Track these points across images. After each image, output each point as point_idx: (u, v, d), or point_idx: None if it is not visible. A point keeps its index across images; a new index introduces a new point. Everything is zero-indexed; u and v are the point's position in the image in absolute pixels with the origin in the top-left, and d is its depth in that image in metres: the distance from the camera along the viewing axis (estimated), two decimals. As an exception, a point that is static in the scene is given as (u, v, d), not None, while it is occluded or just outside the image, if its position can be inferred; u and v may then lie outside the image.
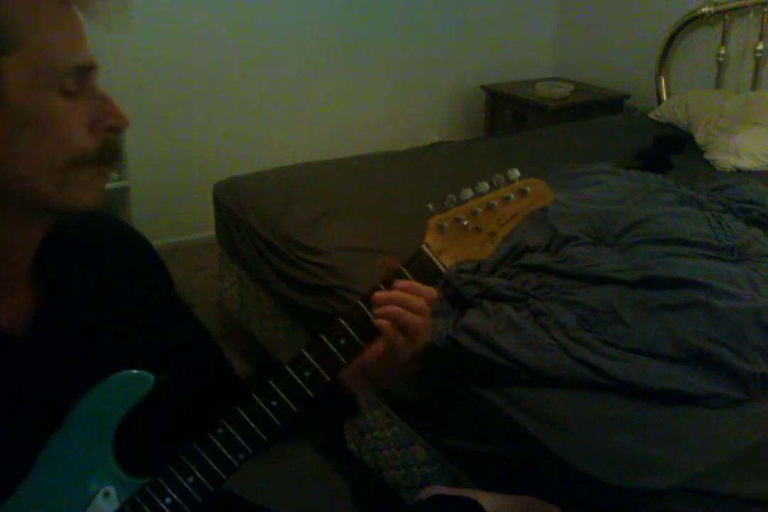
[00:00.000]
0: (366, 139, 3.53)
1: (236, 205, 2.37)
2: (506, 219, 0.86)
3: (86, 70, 0.69)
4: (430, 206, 0.86)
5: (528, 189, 0.86)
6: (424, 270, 0.85)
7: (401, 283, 0.84)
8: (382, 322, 0.82)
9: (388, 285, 0.84)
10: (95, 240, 0.81)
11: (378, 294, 0.83)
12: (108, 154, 0.72)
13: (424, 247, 0.85)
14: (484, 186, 0.85)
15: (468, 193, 0.85)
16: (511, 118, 3.61)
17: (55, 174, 0.68)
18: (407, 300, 0.83)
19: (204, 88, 3.11)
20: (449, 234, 0.86)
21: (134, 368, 0.77)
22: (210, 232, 2.72)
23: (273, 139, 3.34)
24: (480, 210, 0.85)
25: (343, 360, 0.84)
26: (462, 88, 3.79)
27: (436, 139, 3.69)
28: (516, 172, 0.86)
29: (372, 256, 1.97)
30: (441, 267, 0.86)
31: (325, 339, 0.83)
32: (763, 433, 1.35)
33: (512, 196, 0.85)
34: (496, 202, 0.85)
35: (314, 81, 3.37)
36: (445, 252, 0.86)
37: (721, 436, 1.33)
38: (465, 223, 0.85)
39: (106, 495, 0.78)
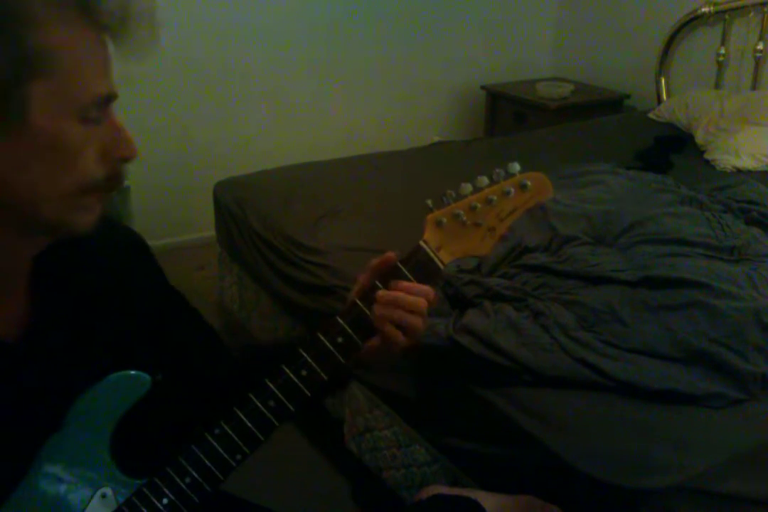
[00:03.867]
0: (366, 139, 3.52)
1: (236, 205, 2.37)
2: (506, 214, 0.85)
3: (109, 100, 0.68)
4: (429, 202, 0.85)
5: (528, 182, 0.84)
6: (422, 267, 0.84)
7: (401, 285, 0.83)
8: (384, 325, 0.82)
9: (385, 283, 0.83)
10: (89, 242, 0.80)
11: (381, 293, 0.83)
12: (113, 182, 0.71)
13: (422, 243, 0.84)
14: (484, 180, 0.84)
15: (467, 187, 0.84)
16: (511, 118, 3.61)
17: (61, 199, 0.67)
18: (408, 303, 0.82)
19: (204, 87, 3.11)
20: (448, 230, 0.84)
21: (132, 369, 0.77)
22: (210, 232, 2.72)
23: (273, 139, 3.34)
24: (479, 205, 0.84)
25: (340, 358, 0.83)
26: (462, 88, 3.79)
27: (436, 138, 3.69)
28: (516, 166, 0.84)
29: (372, 256, 1.97)
30: (439, 263, 0.84)
31: (323, 338, 0.82)
32: (763, 433, 1.35)
33: (512, 189, 0.84)
34: (495, 197, 0.84)
35: (314, 81, 3.37)
36: (443, 248, 0.85)
37: (721, 436, 1.33)
38: (464, 218, 0.84)
39: (104, 496, 0.77)
